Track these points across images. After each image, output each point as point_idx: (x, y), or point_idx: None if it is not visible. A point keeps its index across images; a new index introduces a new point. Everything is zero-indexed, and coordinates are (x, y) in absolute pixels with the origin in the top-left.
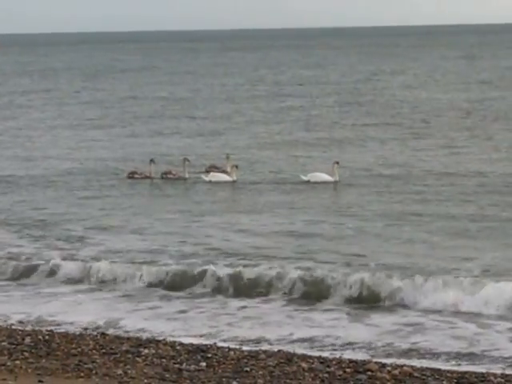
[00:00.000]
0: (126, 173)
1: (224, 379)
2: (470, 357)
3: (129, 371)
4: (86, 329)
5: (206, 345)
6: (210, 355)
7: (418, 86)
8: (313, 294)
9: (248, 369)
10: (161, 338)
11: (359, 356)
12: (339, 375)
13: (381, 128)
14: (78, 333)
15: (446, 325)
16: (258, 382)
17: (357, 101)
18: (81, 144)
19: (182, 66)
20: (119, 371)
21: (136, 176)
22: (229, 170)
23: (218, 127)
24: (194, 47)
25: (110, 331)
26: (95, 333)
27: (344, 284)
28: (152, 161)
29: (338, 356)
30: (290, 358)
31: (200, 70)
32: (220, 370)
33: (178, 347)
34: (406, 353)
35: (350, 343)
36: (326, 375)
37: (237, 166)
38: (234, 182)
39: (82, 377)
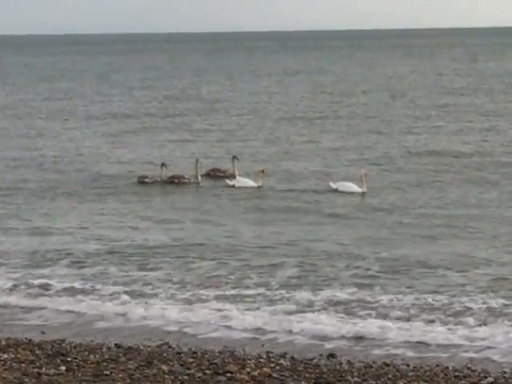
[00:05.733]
0: (136, 176)
1: (84, 383)
2: (330, 359)
3: None
4: None
5: (65, 348)
6: (69, 359)
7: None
8: None
9: (108, 372)
10: (20, 343)
11: (219, 358)
12: (199, 377)
13: None
14: None
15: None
16: None
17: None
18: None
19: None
20: None
21: (146, 180)
22: (237, 173)
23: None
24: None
25: None
26: None
27: None
28: (163, 165)
29: (198, 358)
30: (150, 360)
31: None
32: (80, 374)
33: (37, 351)
34: (266, 354)
35: (210, 344)
36: (186, 377)
37: (263, 171)
38: (259, 187)
39: None
